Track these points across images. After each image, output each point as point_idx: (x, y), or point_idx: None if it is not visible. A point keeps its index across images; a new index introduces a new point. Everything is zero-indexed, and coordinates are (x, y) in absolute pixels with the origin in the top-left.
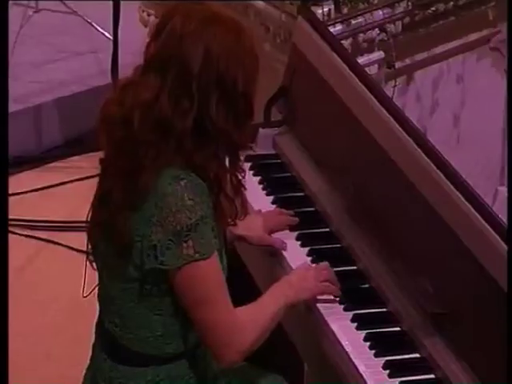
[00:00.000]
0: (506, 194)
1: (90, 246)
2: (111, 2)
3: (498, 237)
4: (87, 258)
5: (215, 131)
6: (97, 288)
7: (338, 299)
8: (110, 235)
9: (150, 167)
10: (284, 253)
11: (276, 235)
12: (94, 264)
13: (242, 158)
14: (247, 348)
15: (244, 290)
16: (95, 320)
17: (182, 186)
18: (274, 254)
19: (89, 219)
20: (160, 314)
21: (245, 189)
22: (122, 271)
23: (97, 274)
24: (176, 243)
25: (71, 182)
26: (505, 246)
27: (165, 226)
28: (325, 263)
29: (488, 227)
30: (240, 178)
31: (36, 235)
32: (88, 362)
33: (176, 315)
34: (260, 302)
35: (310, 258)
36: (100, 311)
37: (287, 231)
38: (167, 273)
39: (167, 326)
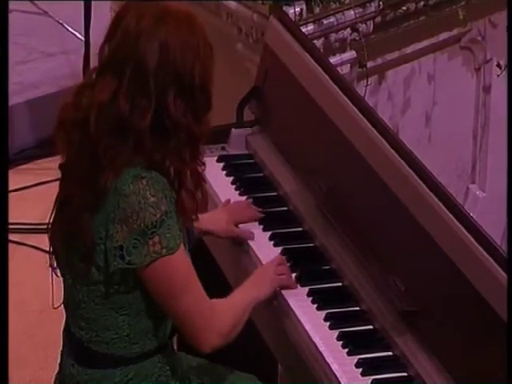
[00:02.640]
0: (477, 192)
1: (51, 252)
2: (82, 3)
3: (468, 234)
4: (50, 264)
5: (174, 127)
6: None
7: (310, 298)
8: (72, 239)
9: (109, 167)
10: (256, 252)
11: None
12: (58, 270)
13: (201, 150)
14: (227, 331)
15: (213, 284)
16: (62, 326)
17: (144, 185)
18: (247, 255)
19: (50, 225)
20: (126, 313)
21: (205, 182)
22: (85, 274)
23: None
24: (142, 241)
25: (43, 183)
26: (475, 243)
27: (129, 225)
28: (279, 257)
29: (460, 226)
30: (200, 171)
31: (8, 238)
32: (57, 367)
33: (142, 314)
34: (228, 298)
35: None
36: (66, 317)
37: (260, 230)
38: (135, 270)
39: (133, 326)
